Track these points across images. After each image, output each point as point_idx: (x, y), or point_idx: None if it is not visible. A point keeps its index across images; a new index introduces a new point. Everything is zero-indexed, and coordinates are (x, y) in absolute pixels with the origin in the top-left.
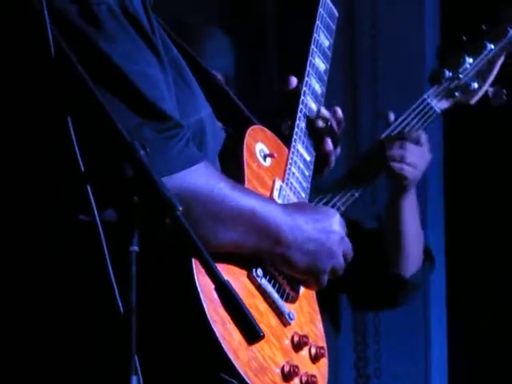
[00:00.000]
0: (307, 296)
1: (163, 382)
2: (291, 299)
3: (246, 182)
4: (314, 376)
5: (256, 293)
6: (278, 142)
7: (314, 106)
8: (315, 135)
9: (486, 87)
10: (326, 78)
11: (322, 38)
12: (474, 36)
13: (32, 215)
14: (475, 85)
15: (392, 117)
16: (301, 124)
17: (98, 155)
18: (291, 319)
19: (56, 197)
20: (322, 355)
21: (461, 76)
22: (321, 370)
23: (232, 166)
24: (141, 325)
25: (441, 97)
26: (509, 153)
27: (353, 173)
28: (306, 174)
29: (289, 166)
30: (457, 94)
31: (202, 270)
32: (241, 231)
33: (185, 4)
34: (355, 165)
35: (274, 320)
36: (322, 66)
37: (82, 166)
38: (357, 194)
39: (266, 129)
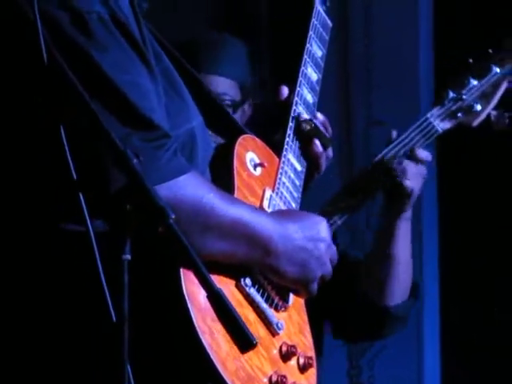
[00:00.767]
0: (297, 306)
1: None
2: (280, 309)
3: (236, 191)
4: None
5: (244, 302)
6: (268, 151)
7: (305, 116)
8: (303, 140)
9: (488, 110)
10: (318, 88)
11: (315, 48)
12: (479, 58)
13: (24, 224)
14: (478, 107)
15: (394, 134)
16: (292, 134)
17: (91, 164)
18: (280, 329)
19: (48, 206)
20: (311, 365)
21: (464, 97)
22: (309, 379)
23: (222, 174)
24: (131, 335)
25: (443, 117)
26: (503, 166)
27: (349, 189)
28: (297, 183)
29: (279, 175)
30: (459, 115)
31: (191, 279)
32: (230, 241)
33: (179, 9)
34: (352, 181)
35: (262, 330)
36: (314, 76)
37: (74, 174)
38: (346, 216)
39: (256, 138)
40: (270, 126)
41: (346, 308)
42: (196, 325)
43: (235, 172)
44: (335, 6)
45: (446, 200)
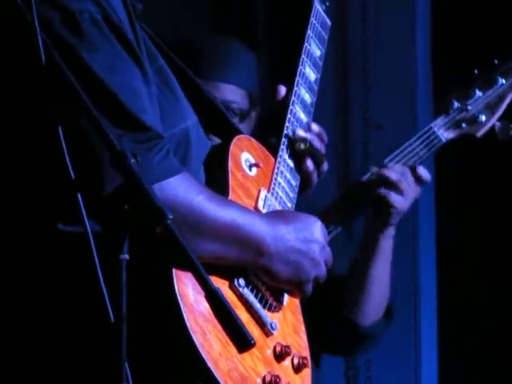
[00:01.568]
0: (292, 306)
1: None
2: (274, 309)
3: (231, 192)
4: None
5: (238, 303)
6: (264, 151)
7: (302, 116)
8: (297, 157)
9: (493, 121)
10: (316, 87)
11: (314, 48)
12: (485, 70)
13: (22, 224)
14: (483, 117)
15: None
16: (289, 134)
17: (88, 164)
18: (274, 329)
19: (46, 206)
20: (305, 366)
21: (469, 108)
22: (304, 380)
23: (217, 175)
24: (126, 334)
25: (447, 127)
26: (502, 173)
27: (344, 200)
28: (293, 183)
29: (275, 175)
30: (464, 125)
31: (183, 280)
32: (221, 243)
33: (174, 9)
34: (350, 188)
35: (256, 330)
36: (312, 75)
37: (72, 174)
38: (339, 229)
39: (252, 138)
40: (267, 126)
41: (319, 320)
42: (188, 325)
43: (230, 173)
44: (333, 6)
45: (443, 204)
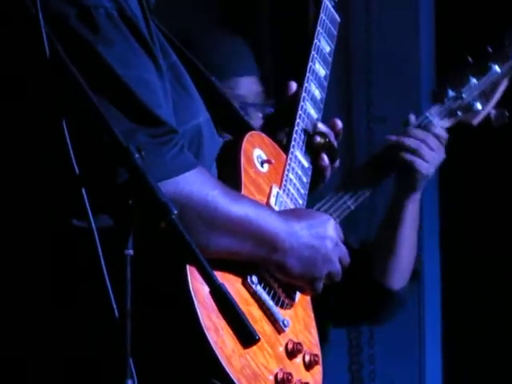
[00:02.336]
0: (303, 303)
1: None
2: (286, 306)
3: (243, 188)
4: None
5: (251, 300)
6: (276, 147)
7: (313, 112)
8: (312, 149)
9: (488, 108)
10: (326, 83)
11: (323, 44)
12: (479, 57)
13: (26, 219)
14: (478, 105)
15: (413, 118)
16: (299, 130)
17: (93, 158)
18: (286, 326)
19: (51, 201)
20: (316, 363)
21: (464, 96)
22: (315, 377)
23: (229, 171)
24: (136, 330)
25: (443, 115)
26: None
27: (372, 163)
28: (304, 180)
29: (286, 172)
30: (459, 113)
31: (197, 277)
32: (235, 238)
33: (178, 7)
34: (375, 154)
35: (268, 327)
36: (322, 71)
37: (76, 168)
38: (367, 194)
39: (264, 134)
40: (278, 122)
41: (349, 291)
42: (201, 321)
43: (242, 169)
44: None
45: (447, 192)
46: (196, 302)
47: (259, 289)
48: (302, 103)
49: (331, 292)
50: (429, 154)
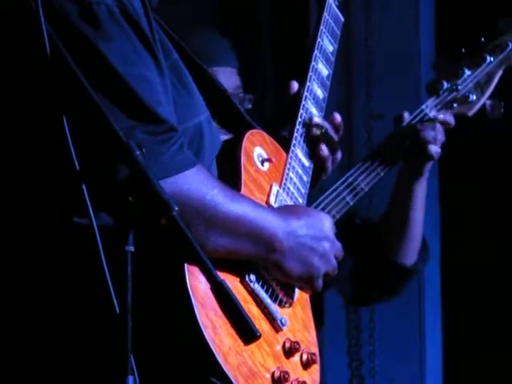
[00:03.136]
0: (302, 302)
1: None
2: (285, 305)
3: (243, 186)
4: (305, 382)
5: (249, 298)
6: (276, 146)
7: (314, 111)
8: (312, 142)
9: (484, 99)
10: (328, 83)
11: (326, 43)
12: (473, 48)
13: (27, 216)
14: (473, 97)
15: (406, 115)
16: (300, 129)
17: (94, 155)
18: (283, 325)
19: (51, 197)
20: (314, 362)
21: (459, 88)
22: (312, 376)
23: (229, 169)
24: (134, 327)
25: (439, 108)
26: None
27: (374, 155)
28: (305, 179)
29: (287, 170)
30: (455, 105)
31: (195, 274)
32: (234, 238)
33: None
34: (377, 147)
35: (266, 325)
36: (324, 71)
37: (77, 165)
38: (382, 173)
39: (264, 133)
40: (279, 121)
41: (363, 269)
42: (199, 319)
43: (242, 167)
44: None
45: (446, 189)
46: (193, 300)
47: (257, 287)
48: (303, 102)
49: (345, 276)
50: (442, 139)
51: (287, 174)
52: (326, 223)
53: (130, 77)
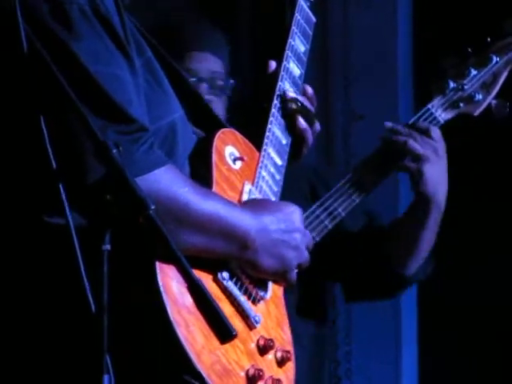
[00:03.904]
0: (275, 300)
1: (128, 382)
2: (258, 302)
3: (215, 185)
4: (279, 380)
5: (222, 296)
6: (249, 145)
7: (291, 95)
8: (289, 117)
9: (489, 99)
10: (300, 82)
11: (298, 43)
12: (479, 48)
13: (5, 216)
14: (479, 96)
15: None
16: (273, 128)
17: (70, 154)
18: (257, 322)
19: (31, 198)
20: (289, 359)
21: (465, 87)
22: (287, 373)
23: (201, 169)
24: (108, 326)
25: (445, 107)
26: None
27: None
28: (277, 178)
29: (259, 169)
30: (461, 104)
31: (167, 272)
32: (206, 236)
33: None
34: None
35: (239, 323)
36: (296, 70)
37: (54, 164)
38: (357, 200)
39: (236, 132)
40: (254, 106)
41: (366, 268)
42: (171, 317)
43: (214, 166)
44: (315, 1)
45: None
46: (165, 298)
47: (230, 284)
48: (275, 101)
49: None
50: (426, 152)
51: (260, 173)
52: (295, 215)
53: (102, 76)
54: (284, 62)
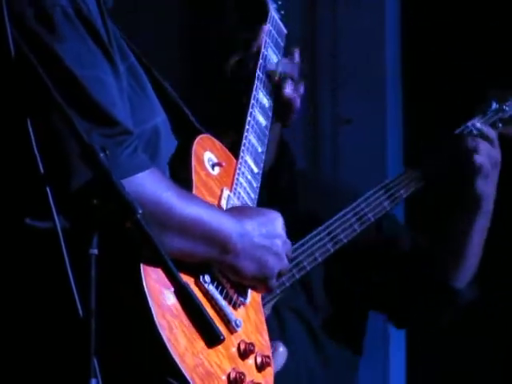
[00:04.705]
0: (254, 305)
1: None
2: (238, 307)
3: (194, 189)
4: None
5: (203, 299)
6: (226, 151)
7: (262, 119)
8: (272, 87)
9: None
10: (274, 91)
11: (271, 53)
12: None
13: None
14: None
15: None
16: (249, 136)
17: (56, 158)
18: (238, 326)
19: (15, 201)
20: (268, 364)
21: (506, 109)
22: (266, 378)
23: (181, 173)
24: (95, 329)
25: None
26: None
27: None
28: (254, 185)
29: (237, 176)
30: (500, 125)
31: (151, 275)
32: (188, 239)
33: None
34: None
35: (221, 327)
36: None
37: (41, 168)
38: (358, 230)
39: (213, 138)
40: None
41: (411, 289)
42: (156, 320)
43: (193, 171)
44: (302, 5)
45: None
46: (150, 300)
47: (212, 288)
48: (250, 110)
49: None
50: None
51: (237, 179)
52: (277, 222)
53: (85, 79)
54: (257, 72)
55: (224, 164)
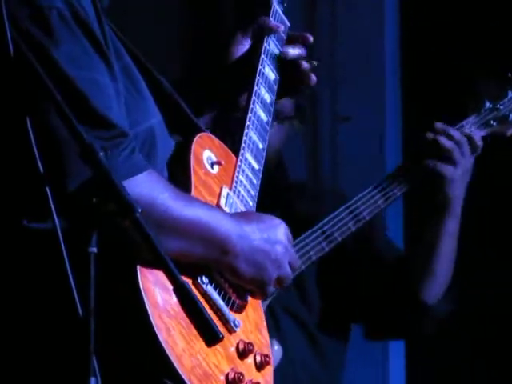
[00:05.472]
0: (254, 304)
1: None
2: (237, 307)
3: (193, 190)
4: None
5: (201, 299)
6: (225, 149)
7: (263, 115)
8: (289, 69)
9: None
10: (275, 87)
11: (272, 48)
12: None
13: None
14: None
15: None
16: (249, 132)
17: (54, 157)
18: (236, 326)
19: (10, 201)
20: (267, 363)
21: (500, 108)
22: (266, 377)
23: (179, 173)
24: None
25: (478, 125)
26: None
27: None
28: (254, 182)
29: (237, 173)
30: (494, 123)
31: (148, 277)
32: (186, 241)
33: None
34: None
35: (219, 327)
36: (271, 75)
37: (40, 168)
38: (353, 228)
39: (213, 136)
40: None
41: (386, 303)
42: (153, 321)
43: (192, 170)
44: (302, 5)
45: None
46: (147, 302)
47: (210, 289)
48: (252, 106)
49: (363, 309)
50: (459, 158)
51: (237, 177)
52: (280, 229)
53: (81, 81)
54: (259, 67)
55: (223, 162)
